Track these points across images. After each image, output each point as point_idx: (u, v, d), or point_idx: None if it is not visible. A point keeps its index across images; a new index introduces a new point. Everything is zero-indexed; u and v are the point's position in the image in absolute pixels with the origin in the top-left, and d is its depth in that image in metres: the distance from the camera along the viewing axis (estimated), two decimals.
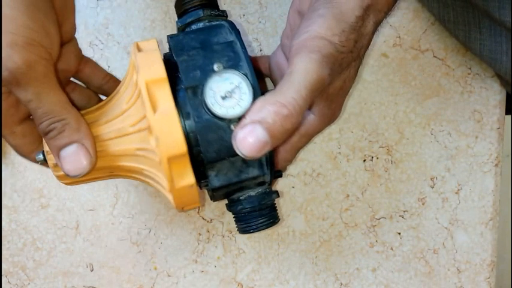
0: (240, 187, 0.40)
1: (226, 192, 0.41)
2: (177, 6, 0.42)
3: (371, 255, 0.54)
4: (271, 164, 0.39)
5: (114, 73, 0.53)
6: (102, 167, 0.38)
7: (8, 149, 0.53)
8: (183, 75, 0.37)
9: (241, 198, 0.41)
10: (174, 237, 0.54)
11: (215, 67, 0.37)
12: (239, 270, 0.54)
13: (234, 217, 0.44)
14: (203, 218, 0.54)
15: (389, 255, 0.54)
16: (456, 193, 0.53)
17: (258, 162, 0.39)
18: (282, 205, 0.54)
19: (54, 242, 0.53)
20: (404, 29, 0.53)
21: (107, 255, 0.54)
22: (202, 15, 0.41)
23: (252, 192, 0.41)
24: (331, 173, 0.53)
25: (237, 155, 0.34)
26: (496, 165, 0.53)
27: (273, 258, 0.54)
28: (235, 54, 0.37)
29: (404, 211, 0.53)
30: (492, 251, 0.53)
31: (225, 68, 0.37)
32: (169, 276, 0.54)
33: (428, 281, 0.54)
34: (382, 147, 0.53)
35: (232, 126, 0.36)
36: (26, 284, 0.53)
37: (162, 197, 0.53)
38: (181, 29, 0.42)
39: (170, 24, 0.53)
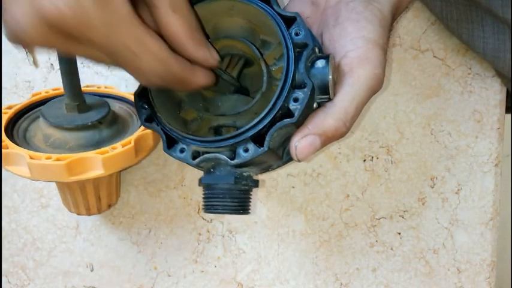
0: (264, 161, 0.39)
1: (254, 162, 0.39)
2: None
3: (371, 255, 0.54)
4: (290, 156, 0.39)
5: (114, 73, 0.53)
6: None
7: None
8: (318, 44, 0.38)
9: (244, 174, 0.39)
10: (174, 237, 0.54)
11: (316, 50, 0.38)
12: (239, 270, 0.54)
13: (210, 193, 0.40)
14: (203, 218, 0.54)
15: (389, 255, 0.54)
16: (456, 193, 0.53)
17: (286, 148, 0.39)
18: (283, 205, 0.54)
19: (54, 242, 0.53)
20: (404, 29, 0.53)
21: (107, 255, 0.54)
22: None
23: (252, 173, 0.40)
24: (331, 173, 0.53)
25: (297, 127, 0.36)
26: (496, 165, 0.53)
27: (273, 258, 0.54)
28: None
29: (404, 211, 0.53)
30: (492, 251, 0.53)
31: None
32: (169, 276, 0.54)
33: (429, 281, 0.54)
34: (382, 147, 0.53)
35: (315, 104, 0.37)
36: (26, 284, 0.53)
37: (162, 197, 0.53)
38: None
39: None
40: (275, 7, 0.37)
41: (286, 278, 0.54)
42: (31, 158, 0.39)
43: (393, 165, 0.53)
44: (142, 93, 0.39)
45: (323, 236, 0.54)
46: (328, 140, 0.37)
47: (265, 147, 0.36)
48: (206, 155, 0.37)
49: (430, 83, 0.53)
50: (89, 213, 0.48)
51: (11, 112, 0.45)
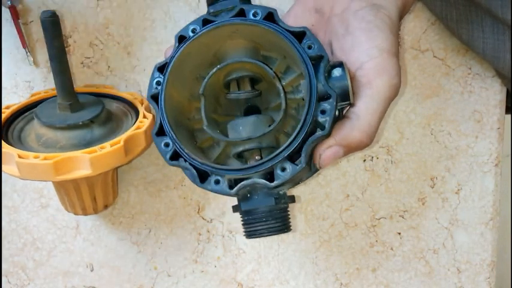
0: (299, 176, 0.39)
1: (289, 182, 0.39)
2: None
3: (371, 255, 0.54)
4: (315, 168, 0.40)
5: (114, 73, 0.53)
6: None
7: None
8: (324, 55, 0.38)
9: (281, 192, 0.39)
10: (174, 237, 0.53)
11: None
12: (239, 270, 0.54)
13: (251, 219, 0.39)
14: (203, 218, 0.54)
15: (389, 255, 0.54)
16: (456, 193, 0.53)
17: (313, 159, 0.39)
18: None
19: (54, 242, 0.53)
20: (404, 29, 0.53)
21: (107, 255, 0.53)
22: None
23: (286, 189, 0.40)
24: (331, 173, 0.53)
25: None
26: (496, 165, 0.53)
27: (273, 258, 0.54)
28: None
29: (404, 211, 0.53)
30: (492, 251, 0.53)
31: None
32: (169, 276, 0.54)
33: (429, 281, 0.54)
34: (382, 147, 0.53)
35: (337, 112, 0.38)
36: (26, 284, 0.53)
37: (162, 197, 0.53)
38: (214, 15, 0.41)
39: (170, 24, 0.52)
40: (281, 24, 0.38)
41: (286, 278, 0.54)
42: (20, 157, 0.40)
43: (393, 165, 0.53)
44: (160, 132, 0.39)
45: (323, 236, 0.54)
46: (351, 150, 0.38)
47: (303, 164, 0.36)
48: (244, 182, 0.37)
49: (430, 83, 0.53)
50: (85, 213, 0.48)
51: (8, 112, 0.45)
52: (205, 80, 0.39)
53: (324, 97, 0.36)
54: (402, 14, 0.43)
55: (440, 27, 0.52)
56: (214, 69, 0.39)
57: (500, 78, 0.52)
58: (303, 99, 0.40)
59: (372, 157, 0.53)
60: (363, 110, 0.38)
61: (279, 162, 0.36)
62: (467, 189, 0.53)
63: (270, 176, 0.37)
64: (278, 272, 0.54)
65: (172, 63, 0.39)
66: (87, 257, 0.53)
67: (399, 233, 0.54)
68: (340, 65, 0.37)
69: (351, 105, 0.38)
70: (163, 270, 0.54)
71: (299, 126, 0.36)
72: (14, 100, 0.53)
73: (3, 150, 0.41)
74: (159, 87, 0.39)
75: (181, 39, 0.40)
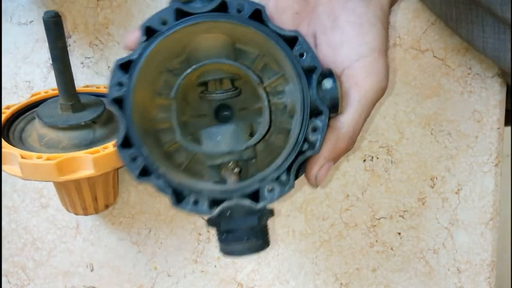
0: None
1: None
2: None
3: (371, 255, 0.54)
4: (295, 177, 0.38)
5: None
6: None
7: None
8: (318, 63, 0.35)
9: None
10: (174, 237, 0.53)
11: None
12: (239, 270, 0.54)
13: (231, 237, 0.37)
14: (203, 218, 0.54)
15: (389, 255, 0.54)
16: (456, 193, 0.53)
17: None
18: (282, 205, 0.53)
19: (54, 242, 0.53)
20: (404, 29, 0.53)
21: (107, 255, 0.54)
22: None
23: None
24: (331, 173, 0.53)
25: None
26: (496, 165, 0.53)
27: (273, 258, 0.54)
28: None
29: (404, 211, 0.53)
30: (492, 251, 0.53)
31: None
32: (169, 276, 0.54)
33: (428, 281, 0.54)
34: (382, 147, 0.53)
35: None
36: (26, 284, 0.53)
37: (162, 197, 0.53)
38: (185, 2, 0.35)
39: None
40: (270, 25, 0.34)
41: (286, 278, 0.54)
42: (22, 157, 0.40)
43: (393, 165, 0.53)
44: (125, 143, 0.33)
45: (323, 236, 0.54)
46: (339, 158, 0.37)
47: (292, 184, 0.34)
48: (227, 203, 0.34)
49: (430, 83, 0.53)
50: (86, 213, 0.48)
51: (8, 112, 0.45)
52: (178, 82, 0.35)
53: (314, 111, 0.34)
54: (392, 2, 0.41)
55: (440, 27, 0.52)
56: (189, 70, 0.35)
57: (501, 72, 0.52)
58: (285, 106, 0.37)
59: (372, 157, 0.53)
60: (349, 117, 0.37)
61: (267, 183, 0.34)
62: (467, 189, 0.53)
63: (253, 194, 0.34)
64: (278, 272, 0.54)
65: (141, 63, 0.33)
66: (87, 257, 0.53)
67: (399, 233, 0.54)
68: (331, 74, 0.34)
69: (338, 114, 0.36)
70: (163, 270, 0.54)
71: (290, 146, 0.34)
72: (14, 100, 0.53)
73: (6, 150, 0.41)
74: (122, 89, 0.33)
75: (148, 31, 0.34)
